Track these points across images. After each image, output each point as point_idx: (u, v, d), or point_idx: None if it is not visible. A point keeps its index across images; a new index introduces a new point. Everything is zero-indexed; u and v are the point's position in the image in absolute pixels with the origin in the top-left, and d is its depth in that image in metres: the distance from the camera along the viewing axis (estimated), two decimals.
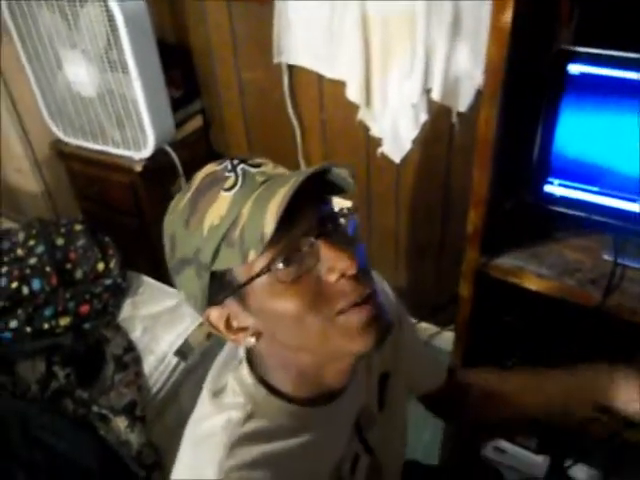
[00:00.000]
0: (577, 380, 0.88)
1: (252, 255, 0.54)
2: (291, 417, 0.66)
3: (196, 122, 1.95)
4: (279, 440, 0.64)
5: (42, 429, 1.08)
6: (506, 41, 0.90)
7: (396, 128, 1.56)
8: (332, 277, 0.57)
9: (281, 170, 0.62)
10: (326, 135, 1.76)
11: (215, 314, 0.62)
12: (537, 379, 0.92)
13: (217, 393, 0.68)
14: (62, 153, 1.91)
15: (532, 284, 1.07)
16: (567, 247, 1.11)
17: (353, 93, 1.54)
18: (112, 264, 1.40)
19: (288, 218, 0.53)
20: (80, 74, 1.65)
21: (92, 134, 1.79)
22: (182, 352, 0.67)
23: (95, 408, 1.14)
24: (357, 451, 0.76)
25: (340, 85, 1.58)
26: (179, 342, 1.27)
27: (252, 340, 0.63)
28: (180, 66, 1.84)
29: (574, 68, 0.98)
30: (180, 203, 0.61)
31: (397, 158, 1.61)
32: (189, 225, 0.59)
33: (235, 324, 0.62)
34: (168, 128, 1.73)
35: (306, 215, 0.57)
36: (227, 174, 0.59)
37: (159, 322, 1.34)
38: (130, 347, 1.26)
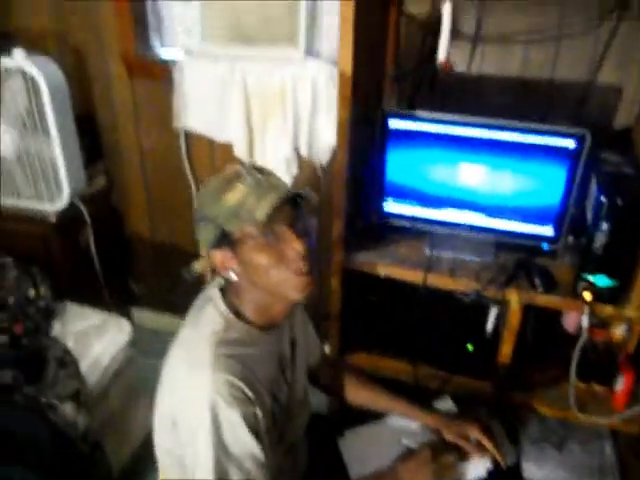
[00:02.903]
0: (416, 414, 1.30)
1: (247, 228, 0.93)
2: (250, 335, 1.02)
3: (99, 182, 2.24)
4: (244, 347, 0.99)
5: None
6: (348, 107, 1.39)
7: None
8: (290, 252, 0.97)
9: (279, 180, 1.01)
10: None
11: (216, 254, 0.99)
12: (380, 398, 1.33)
13: (196, 321, 1.02)
14: None
15: (380, 271, 1.53)
16: (400, 246, 1.59)
17: (240, 151, 1.96)
18: (42, 290, 1.63)
19: (273, 212, 0.92)
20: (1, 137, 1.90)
21: (4, 190, 2.00)
22: (188, 272, 1.03)
23: (43, 399, 1.35)
24: (280, 383, 1.11)
25: (228, 148, 2.00)
26: (110, 349, 1.56)
27: (234, 276, 1.00)
28: (86, 133, 2.15)
29: (393, 123, 1.49)
30: (212, 183, 0.99)
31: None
32: (214, 198, 0.96)
33: (226, 264, 0.99)
34: (80, 184, 2.01)
35: (284, 213, 0.96)
36: (245, 175, 0.97)
37: (87, 335, 1.59)
38: (67, 351, 1.49)
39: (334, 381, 1.37)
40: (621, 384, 1.51)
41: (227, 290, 1.06)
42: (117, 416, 1.63)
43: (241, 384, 0.94)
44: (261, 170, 1.00)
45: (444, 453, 1.18)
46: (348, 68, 1.34)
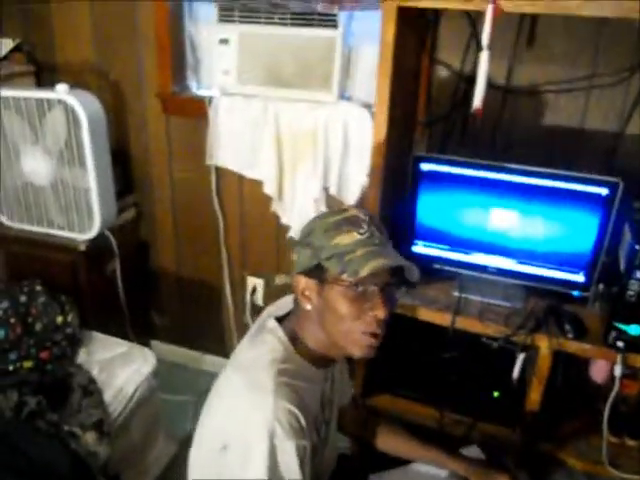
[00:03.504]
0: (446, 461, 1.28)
1: (345, 275, 0.95)
2: (304, 369, 1.03)
3: (129, 214, 2.28)
4: (300, 380, 1.00)
5: (21, 441, 1.26)
6: (382, 152, 1.41)
7: (302, 217, 2.02)
8: (371, 314, 0.98)
9: (388, 241, 1.02)
10: (244, 224, 2.18)
11: (302, 280, 1.01)
12: (410, 444, 1.32)
13: (256, 347, 1.03)
14: (2, 236, 2.12)
15: (408, 312, 1.52)
16: (429, 288, 1.59)
17: (269, 189, 2.00)
18: (70, 317, 1.64)
19: (375, 272, 0.94)
20: (37, 167, 1.96)
21: (37, 218, 2.05)
22: (269, 282, 1.07)
23: (66, 427, 1.34)
24: (321, 420, 1.11)
25: (256, 184, 2.03)
26: (135, 379, 1.56)
27: (309, 307, 1.01)
28: (118, 166, 2.20)
29: (425, 166, 1.51)
30: (331, 217, 1.00)
31: None
32: (327, 233, 0.98)
33: (307, 292, 1.01)
34: (112, 216, 2.05)
35: (382, 275, 0.98)
36: (364, 225, 0.98)
37: (113, 364, 1.59)
38: (92, 380, 1.49)
39: (362, 425, 1.36)
40: None
41: (291, 318, 1.08)
42: (137, 448, 1.62)
43: (299, 414, 0.95)
44: (379, 226, 1.02)
45: None
46: (384, 113, 1.37)
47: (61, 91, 1.85)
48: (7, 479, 1.21)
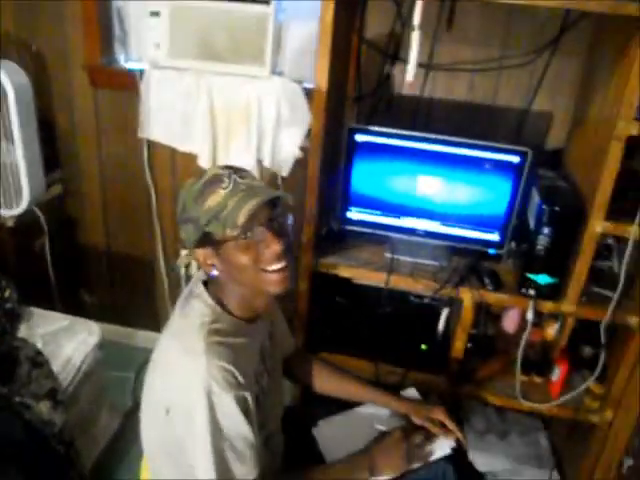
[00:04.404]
0: (385, 400, 1.41)
1: (228, 231, 1.00)
2: (235, 326, 1.09)
3: (55, 190, 2.23)
4: (232, 337, 1.06)
5: None
6: (322, 120, 1.51)
7: None
8: (268, 251, 1.04)
9: (257, 182, 1.08)
10: (176, 197, 2.19)
11: (200, 252, 1.07)
12: (351, 386, 1.43)
13: (185, 314, 1.09)
14: None
15: (345, 273, 1.65)
16: (363, 250, 1.73)
17: (203, 162, 2.04)
18: (7, 293, 1.61)
19: (252, 214, 1.00)
20: None
21: None
22: (173, 269, 1.08)
23: (17, 398, 1.35)
24: (262, 370, 1.19)
25: (189, 157, 2.06)
26: (81, 350, 1.57)
27: (216, 272, 1.07)
28: (43, 141, 2.14)
29: (359, 138, 1.63)
30: (194, 186, 1.04)
31: None
32: (197, 201, 1.02)
33: (208, 261, 1.07)
34: (40, 190, 2.00)
35: (262, 213, 1.03)
36: (225, 179, 1.02)
37: (57, 337, 1.59)
38: (39, 352, 1.48)
39: (306, 371, 1.46)
40: (557, 375, 1.70)
41: (210, 285, 1.13)
42: (86, 419, 1.64)
43: (233, 369, 1.01)
44: (241, 173, 1.06)
45: (414, 434, 1.30)
46: (324, 88, 1.46)
47: None
48: None
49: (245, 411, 1.02)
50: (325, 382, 1.45)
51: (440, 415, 1.35)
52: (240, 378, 1.02)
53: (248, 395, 1.03)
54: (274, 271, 1.05)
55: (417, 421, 1.36)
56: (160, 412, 1.02)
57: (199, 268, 1.14)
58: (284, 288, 1.07)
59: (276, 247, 1.03)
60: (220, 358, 1.00)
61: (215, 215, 1.00)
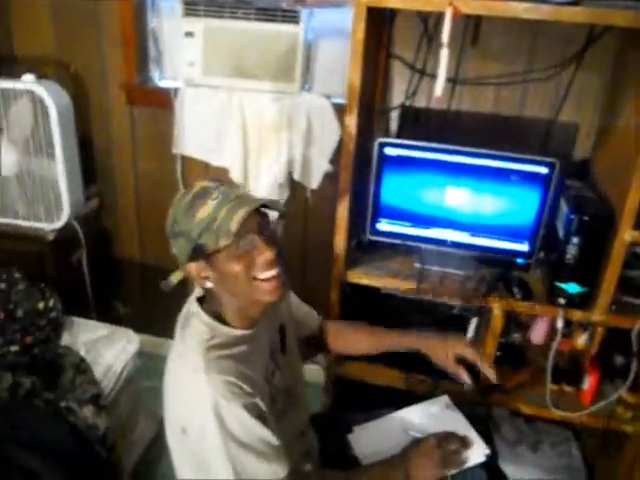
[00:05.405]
0: (402, 341, 1.43)
1: (222, 241, 0.99)
2: (234, 336, 1.10)
3: (92, 204, 2.31)
4: (231, 348, 1.08)
5: (20, 417, 1.31)
6: (354, 134, 1.56)
7: None
8: (259, 257, 1.05)
9: (245, 192, 1.08)
10: None
11: (192, 266, 1.06)
12: (372, 336, 1.46)
13: (184, 335, 1.11)
14: None
15: (375, 283, 1.68)
16: (392, 261, 1.76)
17: (235, 176, 2.10)
18: (51, 303, 1.69)
19: (243, 222, 1.02)
20: (2, 157, 1.96)
21: (2, 209, 2.05)
22: (165, 284, 1.09)
23: (63, 403, 1.40)
24: (273, 368, 1.21)
25: (222, 171, 2.13)
26: (121, 357, 1.63)
27: (210, 284, 1.07)
28: (82, 156, 2.23)
29: (389, 151, 1.67)
30: (183, 199, 1.05)
31: None
32: (187, 214, 1.02)
33: (202, 274, 1.06)
34: (80, 204, 2.09)
35: (253, 222, 1.05)
36: (213, 191, 1.03)
37: (98, 344, 1.65)
38: (83, 359, 1.55)
39: (336, 340, 1.48)
40: (587, 384, 1.70)
41: (206, 299, 1.13)
42: (125, 425, 1.69)
43: (236, 380, 1.03)
44: (228, 184, 1.07)
45: (449, 440, 1.32)
46: (355, 103, 1.51)
47: (28, 81, 1.88)
48: (10, 452, 1.26)
49: (258, 416, 1.03)
50: (349, 342, 1.48)
51: (459, 348, 1.33)
52: (245, 387, 1.03)
53: (258, 400, 1.05)
54: (267, 279, 1.06)
55: (439, 361, 1.35)
56: (177, 431, 1.04)
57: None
58: (278, 297, 1.08)
59: (268, 254, 1.04)
60: (221, 372, 1.02)
61: (207, 226, 1.00)
